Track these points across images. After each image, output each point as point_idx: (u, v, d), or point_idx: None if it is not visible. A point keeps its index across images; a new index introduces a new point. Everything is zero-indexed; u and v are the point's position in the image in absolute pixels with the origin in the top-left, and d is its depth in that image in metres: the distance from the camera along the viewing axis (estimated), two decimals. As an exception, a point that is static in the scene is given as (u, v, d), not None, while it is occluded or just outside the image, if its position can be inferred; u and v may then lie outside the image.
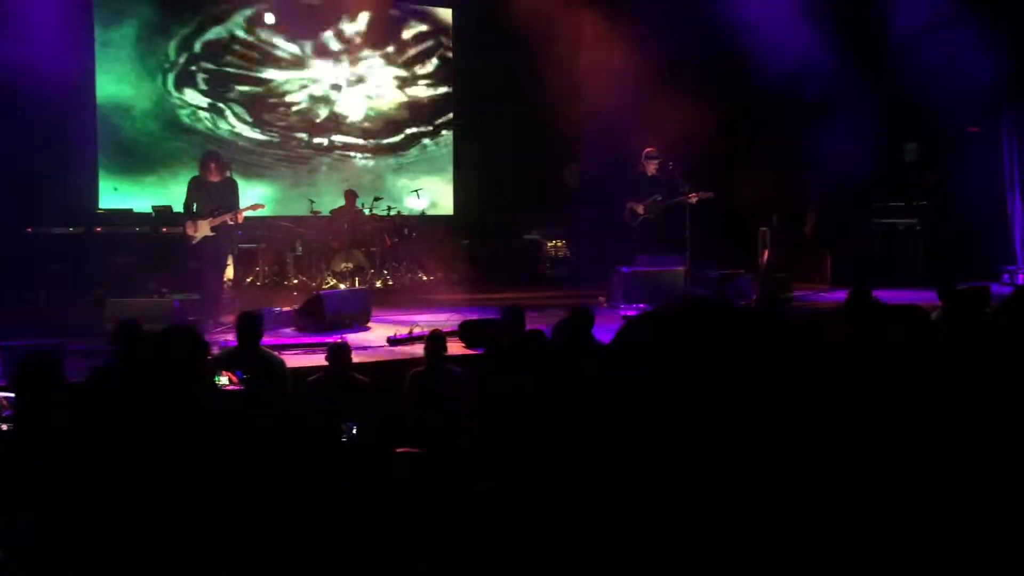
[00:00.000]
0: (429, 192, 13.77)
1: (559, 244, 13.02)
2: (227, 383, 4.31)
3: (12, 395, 3.66)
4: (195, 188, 9.10)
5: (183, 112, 12.73)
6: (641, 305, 9.73)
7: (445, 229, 13.54)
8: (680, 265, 10.36)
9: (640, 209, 10.47)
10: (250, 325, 5.85)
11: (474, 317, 8.20)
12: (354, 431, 4.30)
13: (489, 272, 12.25)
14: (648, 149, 10.58)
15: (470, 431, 5.34)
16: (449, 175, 14.28)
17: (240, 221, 9.15)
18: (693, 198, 10.25)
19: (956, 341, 4.01)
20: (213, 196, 9.01)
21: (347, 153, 13.72)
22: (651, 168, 10.49)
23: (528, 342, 6.09)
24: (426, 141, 14.20)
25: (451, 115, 14.22)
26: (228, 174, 9.23)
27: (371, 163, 13.85)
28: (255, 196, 10.62)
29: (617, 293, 10.11)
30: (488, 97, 13.04)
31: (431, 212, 13.62)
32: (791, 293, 10.40)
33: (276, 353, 6.27)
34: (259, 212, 9.88)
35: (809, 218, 12.34)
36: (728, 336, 1.57)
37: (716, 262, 10.95)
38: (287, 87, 13.31)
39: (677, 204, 10.39)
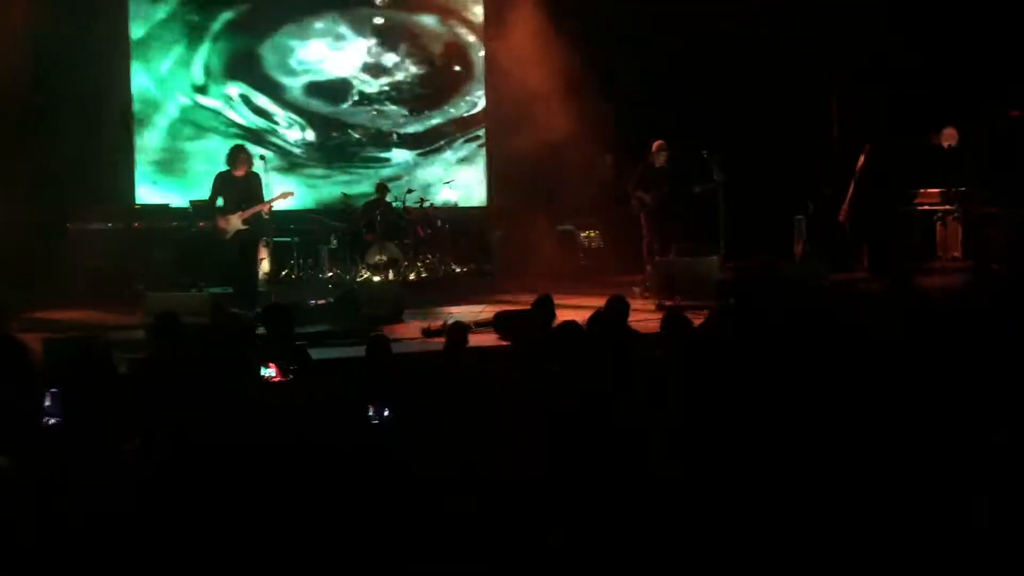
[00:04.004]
0: (461, 183, 13.77)
1: (593, 234, 12.98)
2: (272, 375, 4.34)
3: (54, 389, 3.68)
4: (221, 183, 9.18)
5: (214, 105, 12.82)
6: (676, 297, 9.69)
7: (478, 220, 13.54)
8: (714, 254, 10.35)
9: (647, 199, 10.54)
10: (279, 317, 5.85)
11: (508, 308, 8.20)
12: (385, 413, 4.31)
13: (523, 263, 12.23)
14: (658, 142, 10.78)
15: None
16: (482, 166, 14.25)
17: (269, 211, 9.25)
18: (696, 190, 10.53)
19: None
20: (240, 190, 9.09)
21: (381, 145, 13.73)
22: (660, 160, 10.68)
23: (562, 333, 6.08)
24: (457, 132, 14.16)
25: (483, 104, 14.18)
26: (252, 168, 9.31)
27: (404, 153, 13.84)
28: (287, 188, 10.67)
29: (651, 283, 10.11)
30: (521, 86, 12.99)
31: (464, 203, 13.62)
32: (828, 282, 10.29)
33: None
34: (290, 203, 9.94)
35: (845, 206, 12.19)
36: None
37: (751, 251, 10.87)
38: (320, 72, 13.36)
39: (683, 195, 10.58)
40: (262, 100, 13.01)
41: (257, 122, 12.98)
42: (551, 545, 2.77)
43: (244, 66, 12.87)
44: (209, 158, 12.24)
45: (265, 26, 12.98)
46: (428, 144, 13.94)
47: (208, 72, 12.73)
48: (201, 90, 12.72)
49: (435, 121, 13.95)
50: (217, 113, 12.79)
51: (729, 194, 10.56)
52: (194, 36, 12.63)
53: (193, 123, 12.67)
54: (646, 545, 2.74)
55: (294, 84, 13.17)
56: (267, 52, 13.00)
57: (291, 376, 4.38)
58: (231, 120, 12.84)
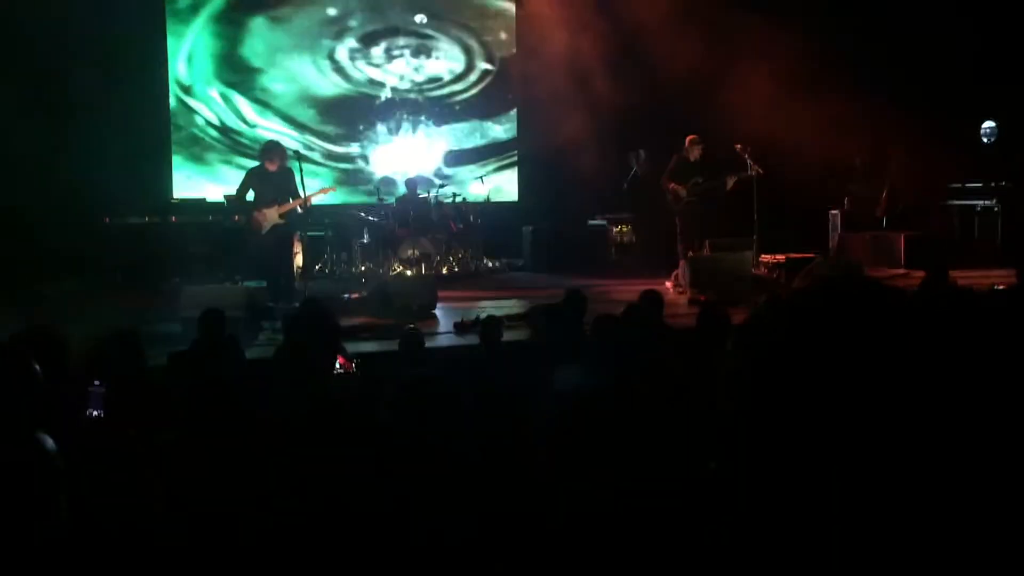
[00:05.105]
0: (493, 178, 13.77)
1: (625, 229, 12.93)
2: (339, 368, 4.35)
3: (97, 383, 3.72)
4: (254, 177, 9.19)
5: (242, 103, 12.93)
6: (709, 292, 9.61)
7: (510, 215, 13.54)
8: (747, 248, 10.27)
9: (683, 192, 10.45)
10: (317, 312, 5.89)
11: (541, 303, 8.18)
12: None
13: (555, 258, 12.23)
14: (691, 136, 10.67)
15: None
16: (514, 161, 14.23)
17: (309, 205, 9.28)
18: (730, 182, 10.36)
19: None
20: (274, 185, 9.10)
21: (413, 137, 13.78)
22: (695, 154, 10.58)
23: (595, 327, 6.05)
24: (490, 124, 14.15)
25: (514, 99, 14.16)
26: (286, 164, 9.33)
27: (436, 145, 13.87)
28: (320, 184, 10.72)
29: (683, 278, 10.04)
30: (554, 81, 12.97)
31: (496, 198, 13.62)
32: (864, 277, 10.17)
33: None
34: (328, 199, 9.99)
35: (882, 200, 12.06)
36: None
37: (785, 246, 10.78)
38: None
39: (717, 188, 10.44)
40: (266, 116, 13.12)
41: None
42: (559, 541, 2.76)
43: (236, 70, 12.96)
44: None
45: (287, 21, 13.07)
46: (477, 159, 13.95)
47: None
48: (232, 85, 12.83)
49: (479, 140, 14.00)
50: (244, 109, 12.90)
51: (763, 188, 10.46)
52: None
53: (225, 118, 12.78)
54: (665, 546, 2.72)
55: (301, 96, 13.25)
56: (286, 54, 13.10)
57: (355, 368, 4.40)
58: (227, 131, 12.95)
